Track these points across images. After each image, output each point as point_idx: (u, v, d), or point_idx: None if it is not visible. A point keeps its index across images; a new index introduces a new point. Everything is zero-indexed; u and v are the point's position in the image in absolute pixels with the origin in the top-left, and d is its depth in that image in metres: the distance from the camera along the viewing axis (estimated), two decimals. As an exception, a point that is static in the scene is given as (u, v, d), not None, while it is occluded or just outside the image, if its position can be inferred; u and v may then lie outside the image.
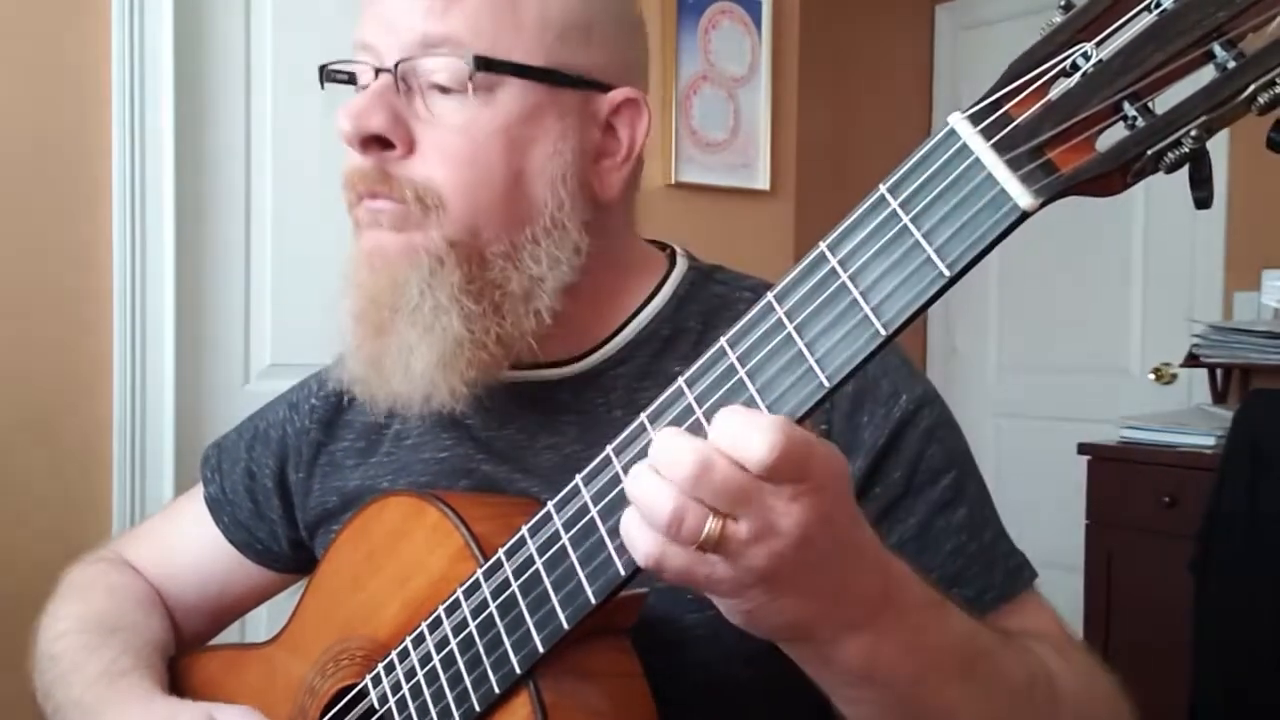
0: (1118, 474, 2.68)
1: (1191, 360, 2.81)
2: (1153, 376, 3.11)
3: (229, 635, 1.04)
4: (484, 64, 0.71)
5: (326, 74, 0.80)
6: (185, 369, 2.00)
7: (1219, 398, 2.90)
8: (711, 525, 0.49)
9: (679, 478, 0.49)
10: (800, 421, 0.52)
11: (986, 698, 0.61)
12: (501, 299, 0.74)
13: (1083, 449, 2.75)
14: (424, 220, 0.73)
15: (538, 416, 0.82)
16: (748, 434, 0.49)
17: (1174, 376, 3.03)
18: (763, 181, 2.73)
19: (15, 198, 1.84)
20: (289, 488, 0.95)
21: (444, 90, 0.73)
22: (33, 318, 1.86)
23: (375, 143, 0.73)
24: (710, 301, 0.82)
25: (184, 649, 0.96)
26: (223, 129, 2.06)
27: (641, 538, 0.52)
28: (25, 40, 1.84)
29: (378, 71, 0.74)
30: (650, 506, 0.50)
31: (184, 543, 1.00)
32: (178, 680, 0.91)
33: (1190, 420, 2.69)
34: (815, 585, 0.53)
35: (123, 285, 1.93)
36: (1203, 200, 0.46)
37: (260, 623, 1.87)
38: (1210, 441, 2.55)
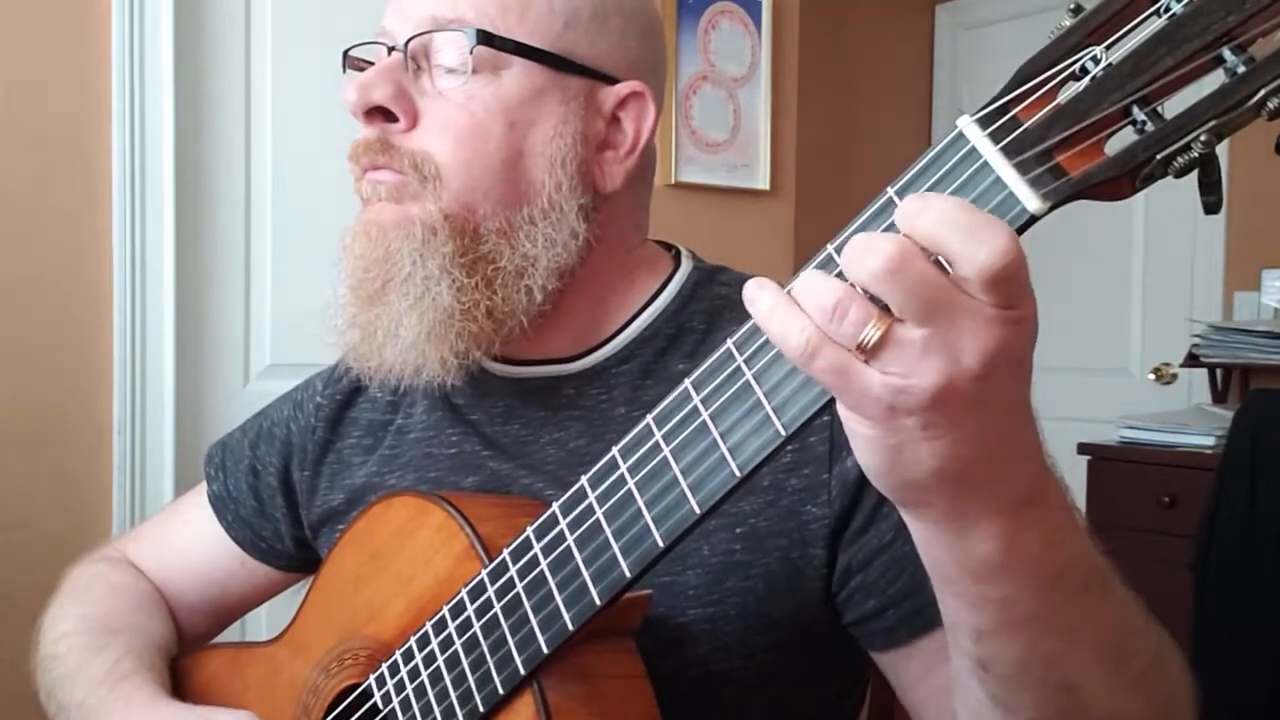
0: (1118, 474, 2.68)
1: (1191, 360, 2.81)
2: (1153, 376, 3.11)
3: (229, 635, 1.04)
4: (485, 39, 0.73)
5: (349, 61, 0.82)
6: (185, 369, 2.00)
7: (1219, 398, 2.90)
8: (873, 326, 0.44)
9: (869, 268, 0.44)
10: (805, 426, 0.52)
11: (1112, 612, 0.57)
12: (494, 274, 0.75)
13: (1083, 449, 2.75)
14: (421, 191, 0.74)
15: (541, 412, 0.82)
16: (980, 232, 0.43)
17: (1174, 376, 3.03)
18: (763, 181, 2.73)
19: (15, 197, 1.84)
20: (293, 486, 0.95)
21: (450, 70, 0.75)
22: (33, 318, 1.86)
23: (379, 114, 0.75)
24: (714, 301, 0.83)
25: (185, 648, 0.97)
26: (223, 128, 2.06)
27: (795, 323, 0.46)
28: (25, 40, 1.84)
29: (390, 51, 0.76)
30: (813, 294, 0.45)
31: (185, 541, 1.00)
32: (180, 679, 0.91)
33: (1190, 420, 2.69)
34: (979, 434, 0.46)
35: (123, 285, 1.93)
36: (1212, 205, 0.45)
37: (260, 623, 1.87)
38: (1210, 441, 2.55)
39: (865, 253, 0.44)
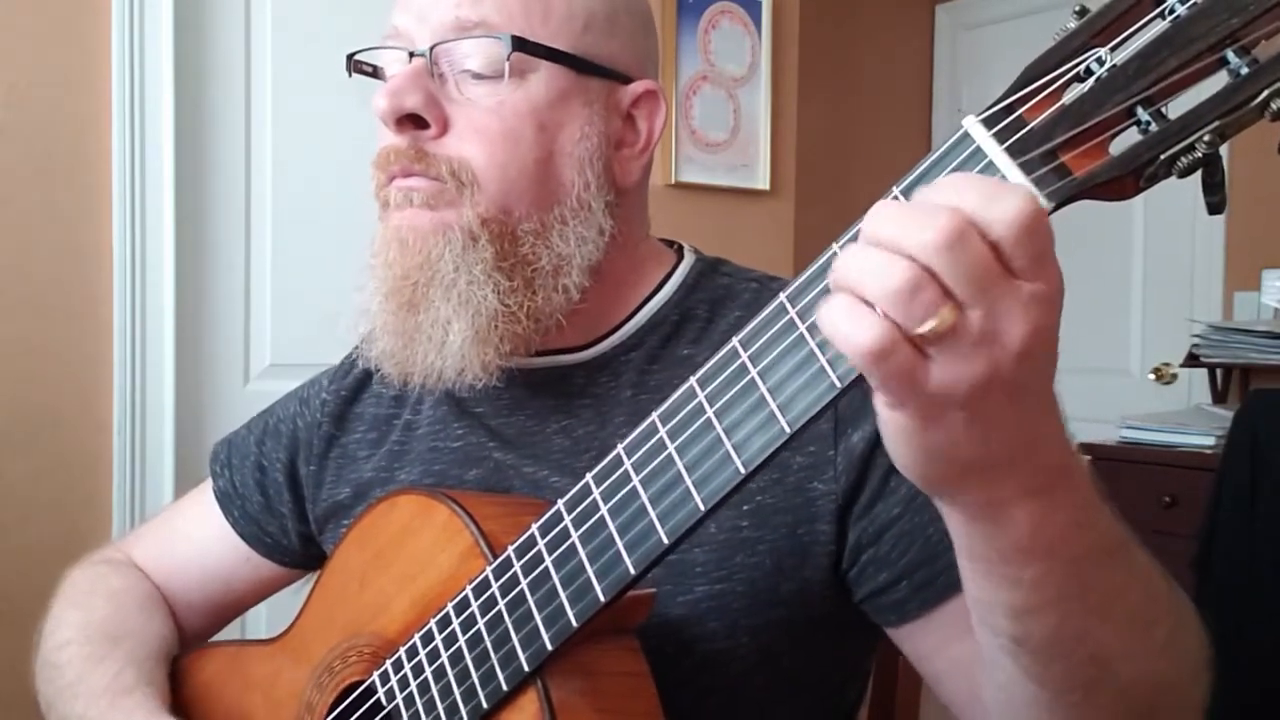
0: (1118, 474, 2.68)
1: (1191, 360, 2.82)
2: (1153, 376, 3.11)
3: (229, 633, 1.05)
4: (520, 45, 0.74)
5: (354, 64, 0.82)
6: (185, 369, 2.01)
7: (1219, 398, 2.90)
8: (947, 311, 0.42)
9: (924, 241, 0.42)
10: (810, 424, 0.52)
11: (1138, 581, 0.57)
12: (533, 275, 0.76)
13: (1083, 449, 2.70)
14: (458, 198, 0.75)
15: (551, 401, 0.83)
16: (1001, 196, 0.42)
17: (1174, 376, 3.03)
18: (763, 181, 2.74)
19: (16, 198, 1.84)
20: (299, 481, 0.95)
21: (477, 76, 0.75)
22: (33, 318, 1.86)
23: (410, 121, 0.75)
24: (716, 290, 0.84)
25: (185, 645, 0.97)
26: (223, 129, 2.06)
27: (857, 322, 0.43)
28: (25, 40, 1.84)
29: (411, 56, 0.76)
30: (880, 273, 0.43)
31: (189, 539, 1.01)
32: (183, 678, 0.91)
33: (1190, 420, 2.70)
34: (1018, 421, 0.47)
35: (123, 285, 1.93)
36: (1215, 205, 0.46)
37: (260, 621, 1.87)
38: (1210, 441, 2.55)
39: (917, 226, 0.43)
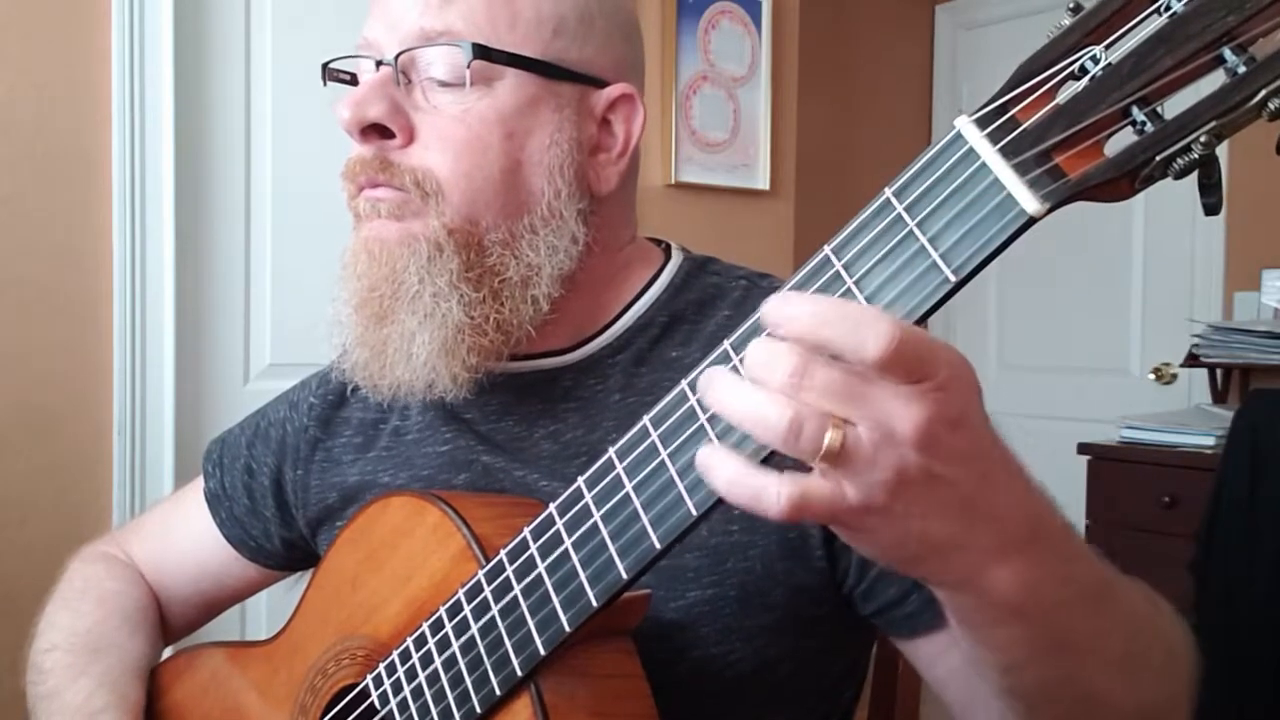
0: (1118, 474, 2.68)
1: (1191, 360, 2.81)
2: (1153, 376, 3.11)
3: (230, 631, 1.05)
4: (481, 52, 0.73)
5: (329, 73, 0.82)
6: (185, 369, 2.00)
7: (1219, 398, 2.90)
8: (832, 432, 0.44)
9: (778, 379, 0.45)
10: None
11: (1124, 618, 0.58)
12: (500, 286, 0.76)
13: (1083, 449, 2.75)
14: (423, 208, 0.74)
15: (538, 405, 0.82)
16: (858, 329, 0.44)
17: (1174, 376, 3.03)
18: (763, 181, 2.73)
19: (15, 198, 1.84)
20: (285, 487, 0.95)
21: (443, 84, 0.74)
22: (33, 318, 1.86)
23: (375, 131, 0.75)
24: (705, 290, 0.84)
25: (174, 638, 0.99)
26: (223, 129, 2.06)
27: (769, 485, 0.45)
28: (25, 40, 1.84)
29: (379, 65, 0.76)
30: (763, 418, 0.45)
31: (184, 539, 1.02)
32: (178, 678, 0.92)
33: (1190, 420, 2.69)
34: (950, 501, 0.47)
35: (123, 285, 1.93)
36: (1212, 206, 0.45)
37: (260, 620, 1.87)
38: (1210, 441, 2.55)
39: (766, 369, 0.45)
